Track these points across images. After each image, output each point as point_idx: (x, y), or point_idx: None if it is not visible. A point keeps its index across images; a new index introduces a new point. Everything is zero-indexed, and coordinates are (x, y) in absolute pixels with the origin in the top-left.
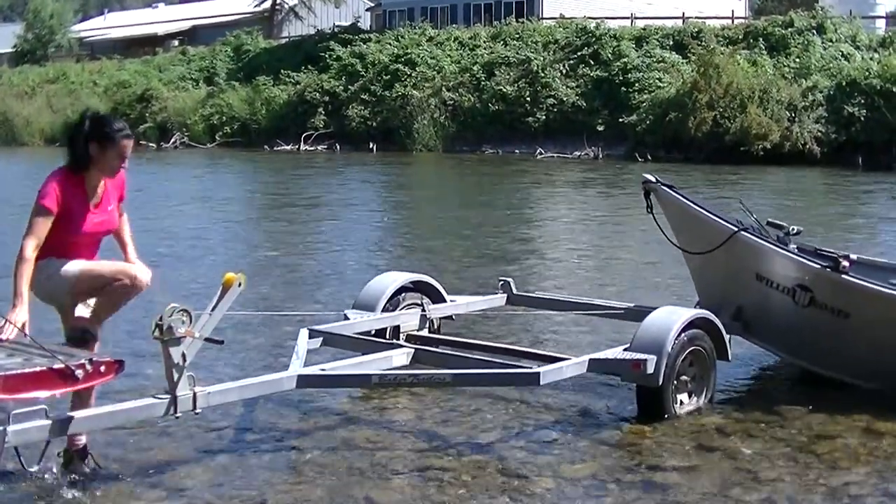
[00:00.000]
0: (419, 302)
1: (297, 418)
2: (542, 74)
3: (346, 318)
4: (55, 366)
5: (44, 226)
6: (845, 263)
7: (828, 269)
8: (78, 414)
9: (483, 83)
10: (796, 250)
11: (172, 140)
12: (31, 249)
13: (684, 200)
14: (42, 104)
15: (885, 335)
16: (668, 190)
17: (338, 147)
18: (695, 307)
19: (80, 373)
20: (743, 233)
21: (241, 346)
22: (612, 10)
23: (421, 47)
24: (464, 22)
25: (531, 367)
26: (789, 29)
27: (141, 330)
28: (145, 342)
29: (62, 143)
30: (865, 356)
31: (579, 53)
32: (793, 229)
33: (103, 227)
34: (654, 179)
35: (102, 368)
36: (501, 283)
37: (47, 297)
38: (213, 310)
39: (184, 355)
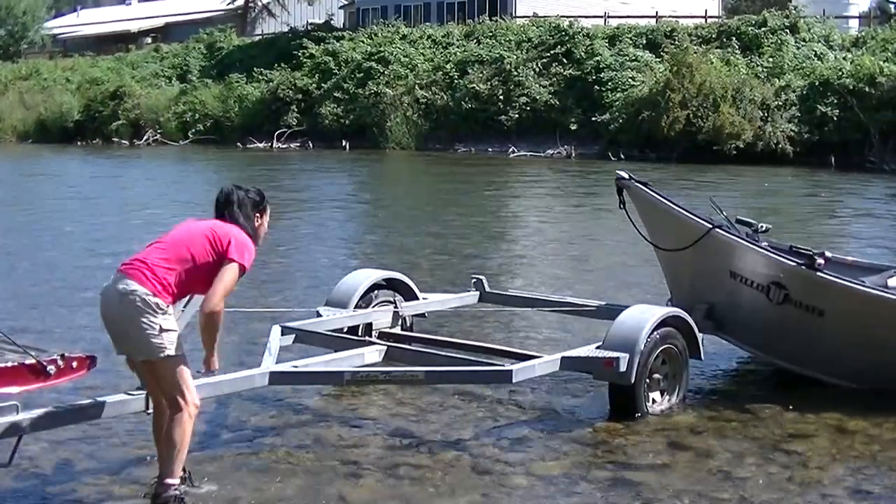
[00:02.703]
0: (392, 299)
1: (269, 415)
2: (516, 73)
3: (319, 315)
4: (26, 361)
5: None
6: (820, 261)
7: (803, 267)
8: (49, 410)
9: (456, 81)
10: (769, 247)
11: (145, 137)
12: None
13: (658, 197)
14: (14, 100)
15: (859, 332)
16: (641, 186)
17: (311, 145)
18: (667, 304)
19: (51, 368)
20: (717, 230)
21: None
22: (586, 9)
23: (394, 45)
24: (437, 20)
25: (503, 365)
26: (762, 28)
27: None
28: None
29: (34, 139)
30: (839, 353)
31: (552, 52)
32: (762, 227)
33: None
34: (627, 176)
35: (74, 364)
36: (474, 280)
37: None
38: (184, 307)
39: None
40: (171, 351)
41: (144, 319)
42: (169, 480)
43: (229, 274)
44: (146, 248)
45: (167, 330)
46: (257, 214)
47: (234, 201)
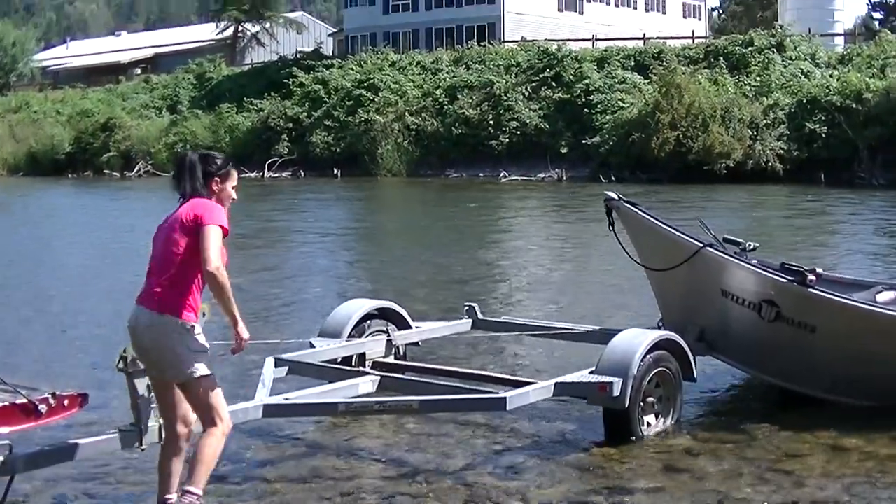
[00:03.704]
0: (385, 329)
1: (264, 448)
2: (505, 97)
3: (312, 346)
4: (17, 401)
5: None
6: (812, 277)
7: (794, 284)
8: (42, 449)
9: (446, 107)
10: (760, 265)
11: (136, 169)
12: None
13: (647, 217)
14: (5, 133)
15: (851, 347)
16: (630, 207)
17: (302, 173)
18: (657, 325)
19: (43, 407)
20: (708, 248)
21: None
22: (574, 33)
23: (383, 72)
24: (426, 46)
25: (497, 392)
26: (749, 48)
27: (105, 362)
28: (110, 374)
29: (25, 172)
30: (831, 369)
31: (541, 76)
32: (749, 245)
33: None
34: (616, 197)
35: (66, 402)
36: (467, 308)
37: None
38: None
39: (149, 387)
40: (203, 371)
41: (174, 345)
42: (193, 489)
43: (209, 234)
44: (147, 275)
45: (197, 350)
46: (216, 180)
47: (184, 168)
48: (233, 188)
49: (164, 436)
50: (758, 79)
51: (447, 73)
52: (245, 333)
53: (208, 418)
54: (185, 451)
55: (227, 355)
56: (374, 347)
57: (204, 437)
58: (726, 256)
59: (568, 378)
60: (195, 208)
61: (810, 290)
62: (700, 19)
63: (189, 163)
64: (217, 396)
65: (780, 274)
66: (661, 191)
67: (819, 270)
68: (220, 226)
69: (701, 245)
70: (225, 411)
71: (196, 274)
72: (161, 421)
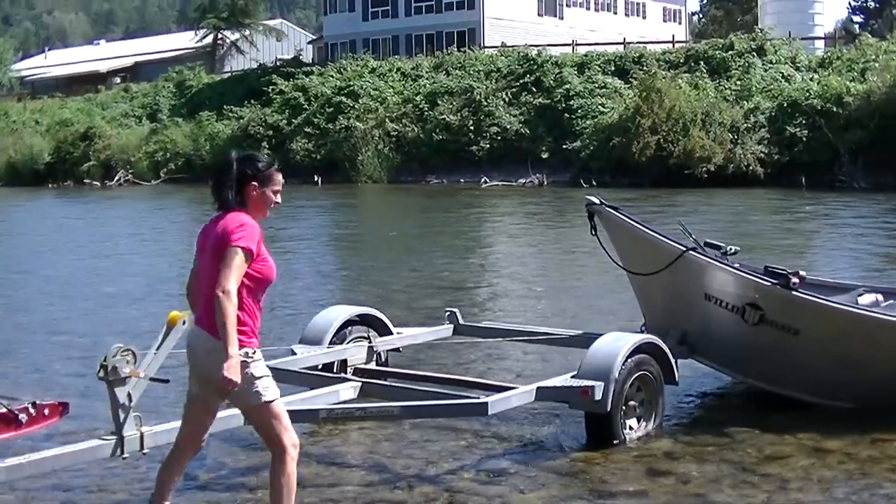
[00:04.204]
0: (366, 335)
1: (245, 455)
2: (485, 103)
3: (293, 352)
4: None
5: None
6: (796, 280)
7: (779, 287)
8: (22, 458)
9: (426, 113)
10: (743, 269)
11: (117, 178)
12: None
13: (630, 221)
14: None
15: (834, 350)
16: (612, 211)
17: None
18: (640, 329)
19: (23, 416)
20: (691, 252)
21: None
22: (554, 38)
23: (363, 79)
24: (406, 52)
25: (479, 397)
26: (730, 52)
27: (86, 370)
28: (91, 382)
29: (5, 182)
30: (815, 372)
31: (522, 81)
32: (730, 249)
33: None
34: (598, 201)
35: (46, 411)
36: (448, 313)
37: None
38: (157, 349)
39: (129, 395)
40: (267, 396)
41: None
42: None
43: (229, 257)
44: (198, 293)
45: (260, 377)
46: (255, 184)
47: (220, 176)
48: (275, 192)
49: (176, 446)
50: (738, 83)
51: (427, 79)
52: (229, 373)
53: (275, 444)
54: (187, 465)
55: None
56: (355, 354)
57: (277, 469)
58: (709, 260)
59: (549, 382)
60: (228, 223)
61: (794, 293)
62: (680, 24)
63: (225, 169)
64: (281, 419)
65: (765, 277)
66: (643, 195)
67: (802, 273)
68: (246, 248)
69: (684, 249)
70: (289, 433)
71: (242, 298)
72: (142, 430)
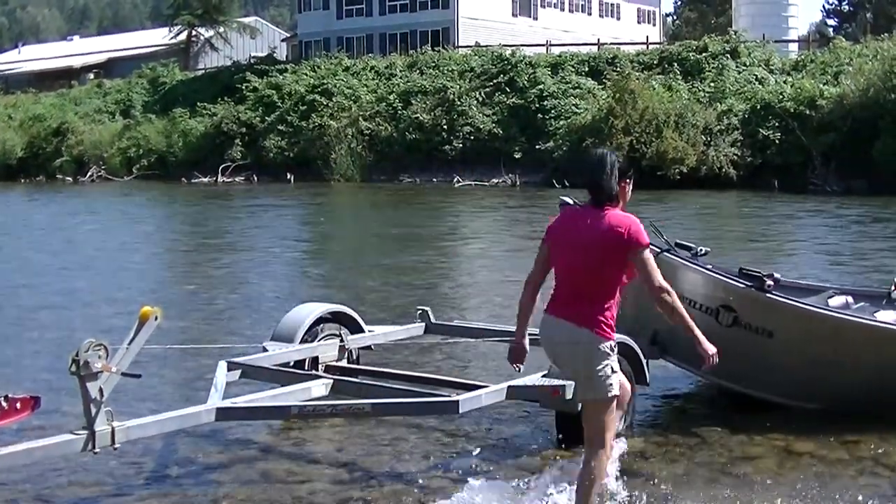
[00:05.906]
0: (337, 332)
1: (216, 451)
2: (459, 102)
3: (265, 349)
4: None
5: None
6: (770, 283)
7: (753, 289)
8: None
9: (400, 112)
10: (716, 271)
11: (89, 174)
12: None
13: None
14: None
15: (807, 352)
16: None
17: (255, 178)
18: None
19: None
20: (666, 254)
21: (160, 379)
22: (528, 38)
23: (337, 77)
24: (380, 51)
25: (450, 396)
26: (704, 54)
27: (58, 365)
28: (63, 377)
29: None
30: (788, 374)
31: (495, 81)
32: (701, 250)
33: None
34: (571, 201)
35: (18, 405)
36: (419, 312)
37: None
38: (129, 344)
39: (101, 390)
40: (613, 392)
41: (599, 365)
42: None
43: (649, 258)
44: (560, 284)
45: (615, 372)
46: (626, 182)
47: (605, 170)
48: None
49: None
50: (712, 85)
51: (401, 78)
52: (711, 349)
53: (600, 440)
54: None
55: (172, 357)
56: (326, 351)
57: (592, 462)
58: (683, 262)
59: (520, 381)
60: (621, 223)
61: (769, 295)
62: (654, 25)
63: (611, 163)
64: (613, 418)
65: (739, 279)
66: None
67: (777, 276)
68: (649, 244)
69: (658, 250)
70: (612, 434)
71: (617, 293)
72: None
